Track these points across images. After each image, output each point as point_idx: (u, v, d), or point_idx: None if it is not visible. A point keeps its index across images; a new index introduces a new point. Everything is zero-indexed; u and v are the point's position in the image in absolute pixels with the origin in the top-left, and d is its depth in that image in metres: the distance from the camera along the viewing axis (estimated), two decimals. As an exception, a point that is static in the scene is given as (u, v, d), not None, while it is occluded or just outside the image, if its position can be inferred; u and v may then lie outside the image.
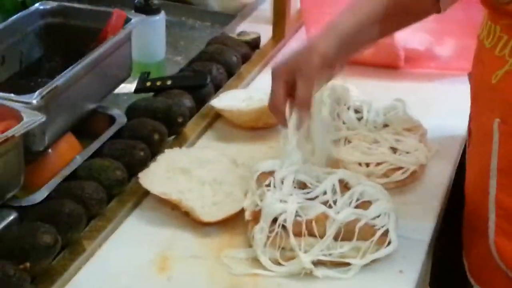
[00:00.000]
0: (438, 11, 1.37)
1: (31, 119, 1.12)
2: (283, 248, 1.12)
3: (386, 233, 1.15)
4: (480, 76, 1.25)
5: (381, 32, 1.39)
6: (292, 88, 1.27)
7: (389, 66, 1.72)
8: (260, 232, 1.13)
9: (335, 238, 1.12)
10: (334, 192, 1.19)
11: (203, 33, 1.90)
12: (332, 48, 1.27)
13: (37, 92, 1.18)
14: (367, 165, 1.32)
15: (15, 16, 1.48)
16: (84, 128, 1.38)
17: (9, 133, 1.09)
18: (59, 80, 1.24)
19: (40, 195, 1.17)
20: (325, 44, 1.28)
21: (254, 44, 1.79)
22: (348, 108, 1.44)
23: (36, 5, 1.51)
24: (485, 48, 1.22)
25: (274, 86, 1.30)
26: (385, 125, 1.42)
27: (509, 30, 1.14)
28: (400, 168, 1.33)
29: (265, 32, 1.85)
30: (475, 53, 1.28)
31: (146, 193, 1.26)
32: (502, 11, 1.16)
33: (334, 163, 1.32)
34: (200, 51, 1.70)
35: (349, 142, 1.37)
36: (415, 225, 1.24)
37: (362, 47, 1.43)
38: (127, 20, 1.45)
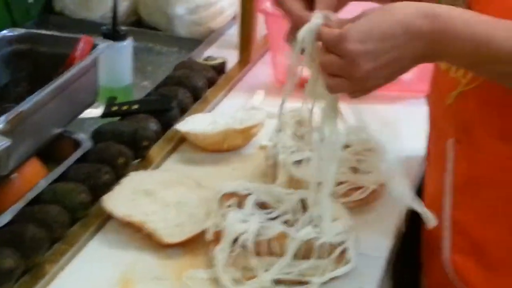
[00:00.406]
0: None
1: (-4, 144, 1.14)
2: (244, 268, 1.12)
3: (345, 251, 1.15)
4: (436, 97, 1.27)
5: None
6: None
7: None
8: (221, 252, 1.13)
9: (295, 257, 1.12)
10: (294, 211, 1.20)
11: (170, 58, 1.91)
12: None
13: (2, 117, 1.17)
14: None
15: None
16: (50, 152, 1.37)
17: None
18: (25, 105, 1.23)
19: (3, 219, 1.16)
20: None
21: (220, 68, 1.79)
22: (311, 130, 1.44)
23: (4, 31, 1.51)
24: (441, 70, 1.24)
25: None
26: (347, 146, 1.41)
27: None
28: (360, 187, 1.33)
29: (232, 57, 1.86)
30: (432, 75, 1.31)
31: (110, 216, 1.25)
32: None
33: (297, 183, 1.32)
34: (167, 76, 1.70)
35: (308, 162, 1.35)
36: (374, 243, 1.25)
37: None
38: (94, 46, 1.45)
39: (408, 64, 0.99)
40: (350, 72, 0.97)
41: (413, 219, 1.35)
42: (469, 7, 1.15)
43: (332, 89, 1.04)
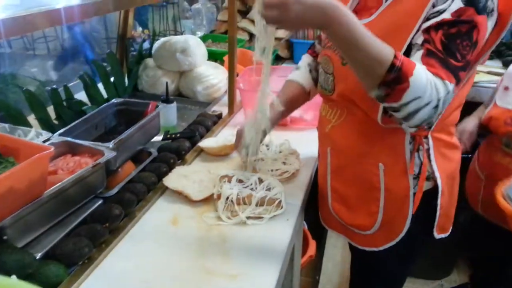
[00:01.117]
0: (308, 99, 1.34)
1: (108, 154, 1.13)
2: (231, 211, 1.12)
3: (280, 202, 1.15)
4: (321, 128, 1.24)
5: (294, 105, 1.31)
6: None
7: (282, 125, 1.69)
8: (220, 204, 1.13)
9: (256, 205, 1.13)
10: (256, 183, 1.19)
11: (195, 112, 1.84)
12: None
13: (112, 141, 1.17)
14: (272, 170, 1.30)
15: (102, 106, 1.45)
16: (137, 157, 1.35)
17: (98, 161, 1.09)
18: (123, 135, 1.22)
19: (113, 191, 1.16)
20: None
21: (219, 116, 1.75)
22: (263, 145, 1.42)
23: (113, 100, 1.48)
24: (322, 115, 1.22)
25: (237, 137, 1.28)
26: (280, 151, 1.40)
27: (332, 105, 1.14)
28: (287, 171, 1.31)
29: (225, 111, 1.81)
30: (319, 118, 1.27)
31: (167, 188, 1.24)
32: (325, 98, 1.18)
33: (254, 171, 1.30)
34: (193, 120, 1.66)
35: (263, 160, 1.33)
36: (294, 198, 1.23)
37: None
38: (157, 106, 1.43)
39: (311, 21, 0.80)
40: (283, 10, 0.78)
41: (313, 186, 1.36)
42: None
43: (268, 18, 0.81)
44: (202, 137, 1.57)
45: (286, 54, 2.60)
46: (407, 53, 0.92)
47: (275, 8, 0.79)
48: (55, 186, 0.97)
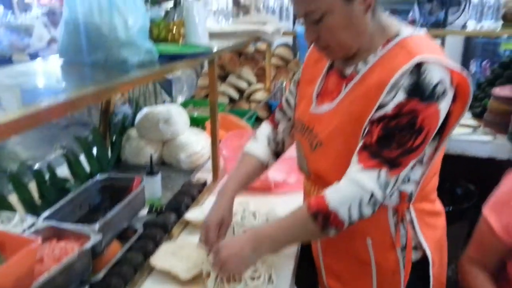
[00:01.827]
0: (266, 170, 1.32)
1: (94, 238, 1.11)
2: None
3: (270, 276, 1.13)
4: (305, 191, 1.25)
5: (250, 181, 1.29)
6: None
7: (266, 189, 1.70)
8: (210, 282, 1.10)
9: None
10: None
11: (179, 180, 1.82)
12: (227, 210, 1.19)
13: (97, 223, 1.15)
14: None
15: (87, 184, 1.42)
16: (122, 235, 1.31)
17: (84, 247, 1.06)
18: (109, 215, 1.20)
19: (100, 276, 1.13)
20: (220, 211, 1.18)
21: (204, 184, 1.74)
22: (249, 213, 1.42)
23: (97, 177, 1.46)
24: (306, 189, 1.24)
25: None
26: (267, 220, 1.39)
27: (312, 183, 1.17)
28: None
29: (209, 177, 1.82)
30: (303, 189, 1.27)
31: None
32: (304, 176, 1.21)
33: None
34: (178, 190, 1.65)
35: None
36: (285, 269, 1.21)
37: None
38: (142, 180, 1.42)
39: (248, 259, 1.02)
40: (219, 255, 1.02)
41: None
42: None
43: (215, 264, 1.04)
44: (188, 207, 1.55)
45: (265, 115, 2.65)
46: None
47: (220, 267, 1.02)
48: (41, 277, 0.94)
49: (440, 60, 0.91)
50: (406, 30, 0.99)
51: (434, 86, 0.90)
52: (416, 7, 2.84)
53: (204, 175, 1.84)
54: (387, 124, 0.92)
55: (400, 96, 0.91)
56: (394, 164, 0.92)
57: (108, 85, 0.95)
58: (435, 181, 1.11)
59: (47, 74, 1.27)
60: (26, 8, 9.65)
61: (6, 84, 1.07)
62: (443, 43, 3.32)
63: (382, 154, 0.92)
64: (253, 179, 1.30)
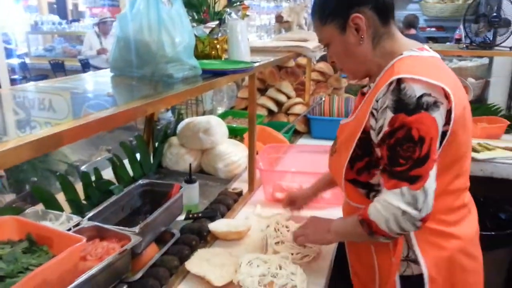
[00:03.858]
0: None
1: (135, 240, 1.17)
2: None
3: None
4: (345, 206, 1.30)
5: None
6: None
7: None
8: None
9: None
10: (277, 268, 1.19)
11: (216, 189, 1.86)
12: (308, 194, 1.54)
13: (138, 226, 1.21)
14: (292, 254, 1.29)
15: (129, 187, 1.50)
16: (159, 238, 1.37)
17: (125, 248, 1.13)
18: (148, 219, 1.26)
19: (137, 276, 1.18)
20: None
21: (239, 194, 1.79)
22: (282, 226, 1.44)
23: (139, 181, 1.53)
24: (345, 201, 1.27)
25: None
26: None
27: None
28: (307, 255, 1.32)
29: (245, 187, 1.86)
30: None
31: (188, 272, 1.25)
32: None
33: (275, 252, 1.31)
34: (215, 199, 1.70)
35: (283, 242, 1.35)
36: (316, 285, 1.22)
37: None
38: (181, 187, 1.47)
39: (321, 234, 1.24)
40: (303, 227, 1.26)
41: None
42: None
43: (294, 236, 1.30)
44: (223, 215, 1.60)
45: (303, 129, 2.68)
46: (363, 150, 1.10)
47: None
48: (85, 274, 1.00)
49: (419, 77, 0.97)
50: (408, 52, 1.07)
51: (418, 98, 0.96)
52: (462, 28, 2.80)
53: (241, 185, 1.88)
54: (388, 142, 1.00)
55: (389, 114, 0.99)
56: (411, 179, 0.97)
57: (155, 99, 1.01)
58: (447, 203, 1.10)
59: (100, 84, 1.37)
60: (79, 17, 10.15)
61: (59, 88, 1.17)
62: (490, 64, 3.26)
63: (395, 171, 0.99)
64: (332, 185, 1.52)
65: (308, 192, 1.54)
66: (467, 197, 1.17)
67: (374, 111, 1.04)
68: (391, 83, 0.99)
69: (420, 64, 1.04)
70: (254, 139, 1.81)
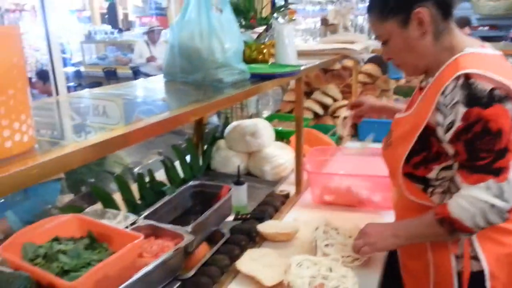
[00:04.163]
0: None
1: (188, 238, 1.21)
2: None
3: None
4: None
5: None
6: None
7: (350, 206, 1.72)
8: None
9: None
10: (327, 270, 1.20)
11: (263, 191, 1.86)
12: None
13: (190, 225, 1.25)
14: (342, 257, 1.29)
15: (181, 188, 1.55)
16: (210, 237, 1.39)
17: (179, 245, 1.17)
18: (201, 219, 1.30)
19: (190, 273, 1.21)
20: None
21: (287, 196, 1.80)
22: (331, 228, 1.44)
23: (190, 182, 1.58)
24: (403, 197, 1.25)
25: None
26: (350, 236, 1.38)
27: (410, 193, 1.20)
28: (358, 259, 1.30)
29: (292, 189, 1.86)
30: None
31: (238, 271, 1.27)
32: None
33: (325, 255, 1.31)
34: (262, 200, 1.72)
35: (332, 245, 1.35)
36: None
37: None
38: (230, 189, 1.51)
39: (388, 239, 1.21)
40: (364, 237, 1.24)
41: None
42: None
43: (356, 247, 1.27)
44: (271, 217, 1.61)
45: (351, 131, 2.66)
46: (421, 144, 1.10)
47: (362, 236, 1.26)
48: (142, 270, 1.06)
49: (486, 73, 0.97)
50: (470, 49, 1.06)
51: (490, 92, 0.96)
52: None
53: (287, 187, 1.89)
54: (465, 137, 1.00)
55: (461, 109, 0.99)
56: (496, 171, 0.98)
57: (207, 103, 1.05)
58: None
59: (151, 90, 1.43)
60: (129, 26, 10.53)
61: (112, 95, 1.23)
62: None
63: (478, 166, 0.99)
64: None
65: (377, 104, 1.57)
66: None
67: (442, 107, 1.03)
68: (458, 78, 0.99)
69: (484, 62, 1.03)
70: (301, 141, 1.82)
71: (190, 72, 1.34)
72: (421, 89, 1.18)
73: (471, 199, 1.00)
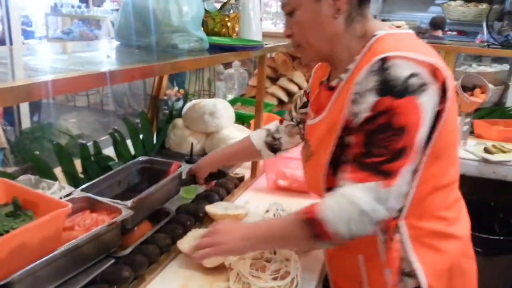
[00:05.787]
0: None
1: (125, 213, 1.12)
2: (244, 283, 1.06)
3: (294, 279, 1.08)
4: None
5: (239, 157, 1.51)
6: None
7: (302, 192, 1.66)
8: (232, 275, 1.09)
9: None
10: (271, 253, 1.14)
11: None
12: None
13: (131, 200, 1.16)
14: None
15: (128, 163, 1.48)
16: (154, 216, 1.32)
17: (114, 220, 1.08)
18: (143, 194, 1.22)
19: (127, 251, 1.13)
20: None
21: (241, 179, 1.74)
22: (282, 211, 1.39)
23: (139, 158, 1.51)
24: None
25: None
26: None
27: None
28: None
29: (247, 173, 1.81)
30: None
31: (180, 251, 1.21)
32: None
33: None
34: (215, 181, 1.61)
35: None
36: (310, 272, 1.17)
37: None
38: (180, 166, 1.43)
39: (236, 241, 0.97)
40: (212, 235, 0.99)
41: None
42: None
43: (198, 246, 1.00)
44: (222, 199, 1.54)
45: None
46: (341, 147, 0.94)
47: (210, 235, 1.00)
48: (68, 243, 0.96)
49: (406, 54, 0.85)
50: (381, 31, 0.94)
51: (405, 80, 0.83)
52: (485, 28, 2.70)
53: (243, 170, 1.83)
54: (367, 127, 0.86)
55: (371, 98, 0.85)
56: (385, 173, 0.83)
57: (147, 64, 0.96)
58: (442, 198, 0.98)
59: (98, 50, 1.32)
60: (100, 3, 10.16)
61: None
62: (512, 67, 3.16)
63: (368, 163, 0.85)
64: (243, 157, 1.53)
65: (217, 157, 1.43)
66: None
67: (356, 96, 0.88)
68: (373, 64, 0.86)
69: (402, 41, 0.92)
70: (260, 125, 1.75)
71: (143, 35, 1.24)
72: (330, 89, 1.02)
73: (351, 198, 0.84)
